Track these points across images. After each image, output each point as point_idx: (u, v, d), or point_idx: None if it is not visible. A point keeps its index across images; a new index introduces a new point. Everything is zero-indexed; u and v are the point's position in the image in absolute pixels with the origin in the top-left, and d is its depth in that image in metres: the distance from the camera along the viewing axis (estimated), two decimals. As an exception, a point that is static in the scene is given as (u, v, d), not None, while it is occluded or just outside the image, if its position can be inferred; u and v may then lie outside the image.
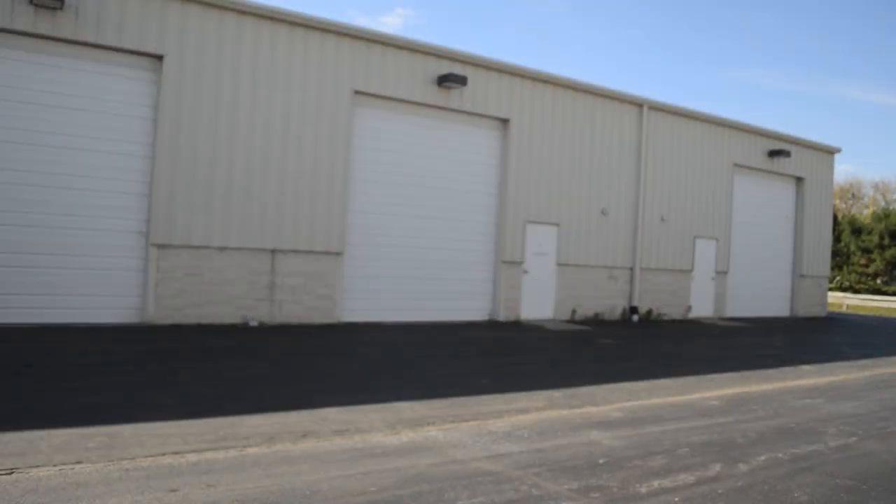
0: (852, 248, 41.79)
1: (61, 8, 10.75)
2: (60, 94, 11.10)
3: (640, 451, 5.82)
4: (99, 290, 11.41)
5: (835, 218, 40.92)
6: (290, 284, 12.93)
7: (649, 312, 18.44)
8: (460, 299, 15.33)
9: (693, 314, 19.61)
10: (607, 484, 4.91)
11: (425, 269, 14.84)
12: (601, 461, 5.46)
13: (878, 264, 40.75)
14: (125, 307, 11.63)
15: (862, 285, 40.13)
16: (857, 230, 42.39)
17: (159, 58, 11.77)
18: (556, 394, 8.11)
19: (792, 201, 22.63)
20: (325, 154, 13.31)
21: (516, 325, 15.24)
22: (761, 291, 21.73)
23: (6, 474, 4.46)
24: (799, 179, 22.61)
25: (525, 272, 16.08)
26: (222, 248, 12.27)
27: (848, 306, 32.36)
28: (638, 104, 18.18)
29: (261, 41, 12.65)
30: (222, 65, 12.27)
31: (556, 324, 15.94)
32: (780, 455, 5.90)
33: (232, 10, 12.32)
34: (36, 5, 10.60)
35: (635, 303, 18.05)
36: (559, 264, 16.71)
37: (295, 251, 13.01)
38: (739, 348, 13.91)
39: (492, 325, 15.00)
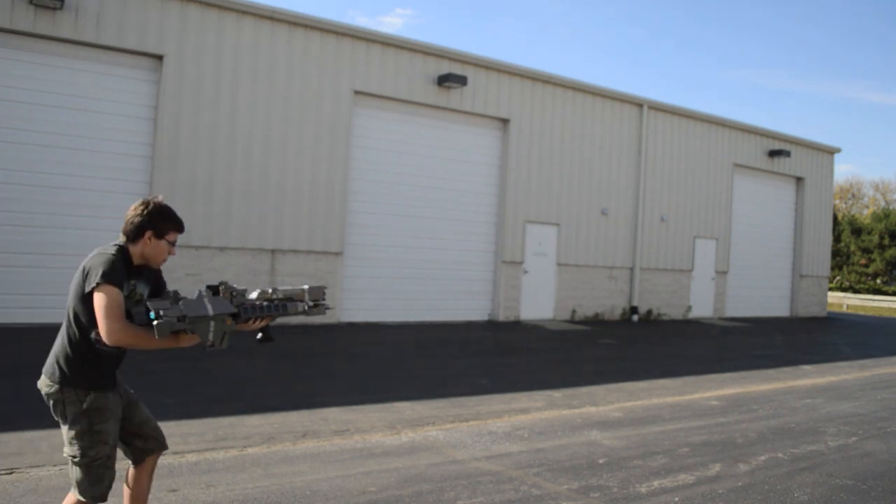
0: (852, 248, 41.81)
1: (61, 8, 10.75)
2: (60, 94, 11.09)
3: (640, 451, 5.82)
4: (99, 290, 11.38)
5: (835, 218, 40.89)
6: (290, 284, 12.92)
7: (649, 312, 18.44)
8: (460, 299, 15.33)
9: (693, 314, 19.61)
10: (607, 484, 4.91)
11: (425, 269, 14.83)
12: (601, 461, 5.46)
13: (878, 264, 40.76)
14: (125, 307, 11.61)
15: (862, 285, 40.15)
16: (857, 230, 42.41)
17: (159, 58, 11.77)
18: (556, 394, 8.11)
19: (792, 201, 22.63)
20: (325, 154, 13.31)
21: (516, 326, 15.23)
22: (761, 291, 21.73)
23: (6, 474, 4.46)
24: (799, 179, 22.60)
25: (525, 272, 16.08)
26: (222, 248, 12.28)
27: (848, 306, 32.35)
28: (638, 104, 18.18)
29: (261, 41, 12.65)
30: (222, 65, 12.28)
31: (556, 324, 15.94)
32: (780, 455, 5.90)
33: (232, 10, 12.33)
34: (36, 5, 10.60)
35: (635, 303, 18.05)
36: (559, 264, 16.70)
37: (295, 251, 13.02)
38: (739, 348, 13.92)
39: (492, 326, 14.99)
